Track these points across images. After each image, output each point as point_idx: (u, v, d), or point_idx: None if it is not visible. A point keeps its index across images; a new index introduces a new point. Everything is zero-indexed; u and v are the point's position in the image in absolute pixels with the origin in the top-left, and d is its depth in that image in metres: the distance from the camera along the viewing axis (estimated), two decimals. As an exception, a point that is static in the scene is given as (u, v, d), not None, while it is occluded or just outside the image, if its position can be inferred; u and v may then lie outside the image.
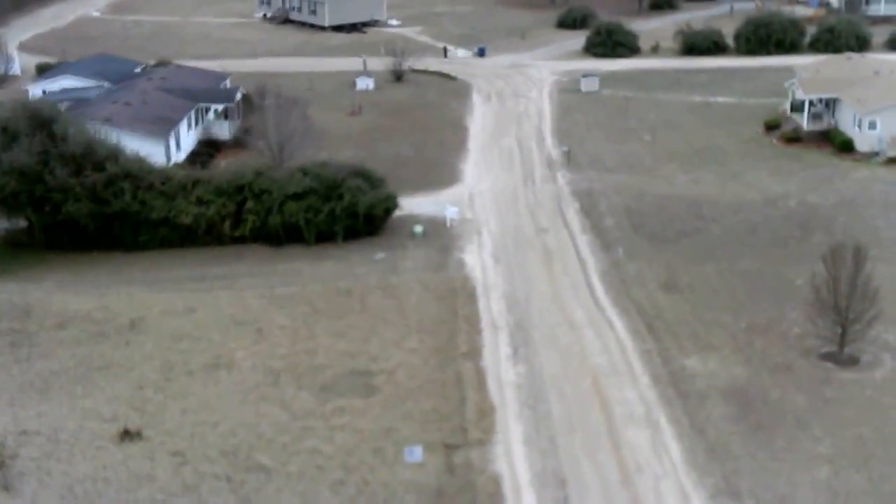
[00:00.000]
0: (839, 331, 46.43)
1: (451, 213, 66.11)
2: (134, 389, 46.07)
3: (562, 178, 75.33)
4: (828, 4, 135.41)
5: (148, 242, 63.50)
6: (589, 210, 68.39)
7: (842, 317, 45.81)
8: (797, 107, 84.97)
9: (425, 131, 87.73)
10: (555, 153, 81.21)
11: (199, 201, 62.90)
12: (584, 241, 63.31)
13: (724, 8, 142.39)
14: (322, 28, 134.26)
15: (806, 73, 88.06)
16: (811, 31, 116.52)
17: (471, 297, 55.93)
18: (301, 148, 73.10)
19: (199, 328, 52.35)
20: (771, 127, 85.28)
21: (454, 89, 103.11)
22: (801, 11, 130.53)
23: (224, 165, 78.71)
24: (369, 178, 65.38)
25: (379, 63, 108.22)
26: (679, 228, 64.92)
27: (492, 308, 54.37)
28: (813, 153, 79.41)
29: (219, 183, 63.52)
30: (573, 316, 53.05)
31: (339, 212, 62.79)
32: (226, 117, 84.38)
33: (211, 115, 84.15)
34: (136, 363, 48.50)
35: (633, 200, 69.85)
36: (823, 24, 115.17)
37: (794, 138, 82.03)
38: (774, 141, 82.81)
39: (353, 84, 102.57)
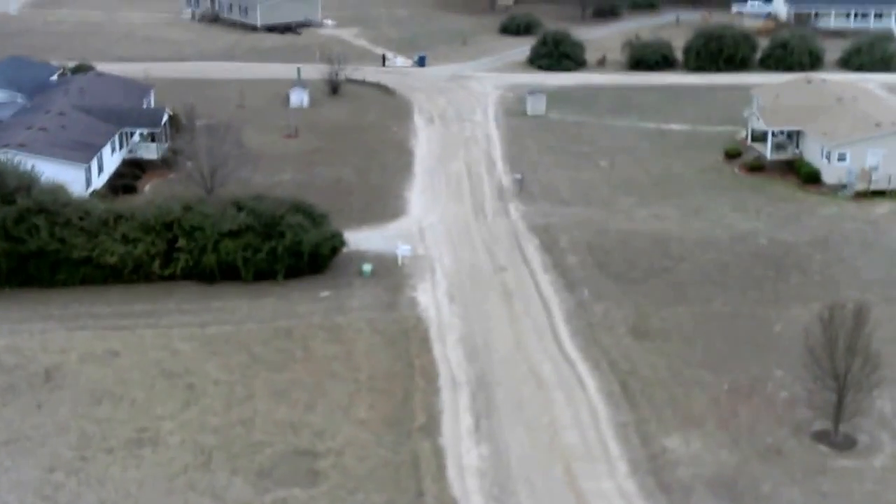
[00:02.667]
0: (834, 399, 42.76)
1: (403, 251, 61.93)
2: (44, 472, 40.94)
3: (515, 210, 71.50)
4: (775, 17, 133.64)
5: (67, 282, 58.15)
6: (549, 246, 64.69)
7: (839, 384, 42.26)
8: (758, 137, 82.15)
9: (367, 155, 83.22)
10: (506, 181, 77.23)
11: (126, 239, 57.86)
12: (545, 280, 59.75)
13: (670, 17, 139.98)
14: (254, 28, 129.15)
15: (763, 97, 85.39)
16: (762, 44, 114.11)
17: (425, 340, 52.40)
18: (234, 172, 68.55)
19: (121, 382, 47.63)
20: (732, 155, 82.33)
21: (394, 107, 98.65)
22: (748, 23, 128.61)
23: (150, 188, 73.63)
24: (310, 214, 60.79)
25: (314, 71, 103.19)
26: (646, 267, 61.52)
27: (449, 356, 50.69)
28: (777, 184, 76.75)
29: (144, 219, 58.23)
30: (539, 370, 49.39)
31: (281, 251, 58.18)
32: (152, 140, 78.88)
33: (136, 137, 78.66)
34: (48, 435, 43.38)
35: (595, 236, 66.30)
36: (776, 38, 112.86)
37: (757, 167, 79.11)
38: (736, 170, 79.84)
39: (287, 99, 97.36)
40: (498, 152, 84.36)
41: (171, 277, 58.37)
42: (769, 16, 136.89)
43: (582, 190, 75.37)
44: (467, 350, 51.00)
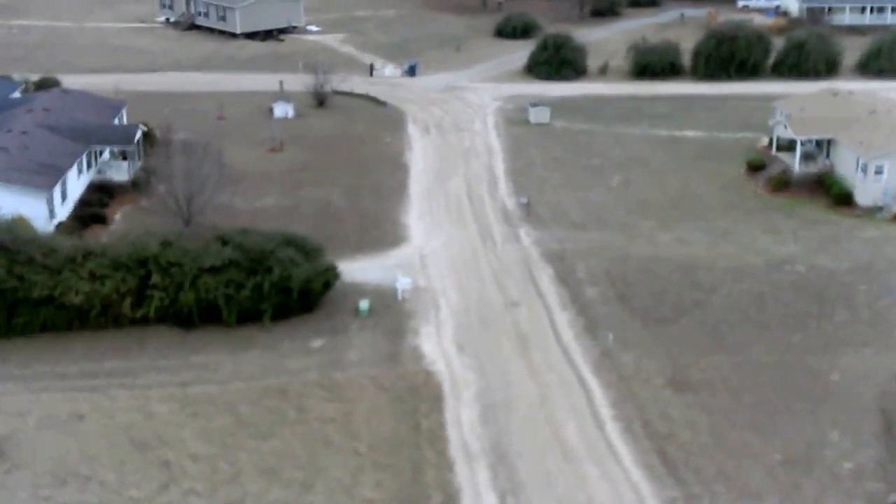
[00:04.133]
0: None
1: (402, 284, 56.22)
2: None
3: (525, 235, 65.78)
4: (786, 12, 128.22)
5: (27, 326, 52.12)
6: (565, 278, 59.02)
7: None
8: (784, 146, 76.84)
9: (359, 172, 77.37)
10: (510, 202, 71.65)
11: (92, 276, 51.85)
12: (564, 320, 54.01)
13: (673, 15, 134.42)
14: (233, 35, 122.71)
15: (786, 105, 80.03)
16: (776, 44, 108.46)
17: (435, 400, 46.41)
18: (213, 197, 63.21)
19: (87, 457, 41.70)
20: (755, 167, 76.83)
21: (385, 119, 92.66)
22: (758, 20, 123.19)
23: (121, 216, 67.65)
24: (303, 248, 55.04)
25: (297, 82, 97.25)
26: (675, 301, 55.94)
27: (462, 420, 44.86)
28: (806, 206, 71.22)
29: (116, 255, 52.40)
30: (567, 437, 43.64)
31: (268, 287, 52.38)
32: (124, 158, 73.01)
33: (106, 154, 72.84)
34: (5, 528, 37.59)
35: (614, 265, 60.71)
36: (792, 39, 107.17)
37: (783, 183, 73.66)
38: (759, 190, 74.28)
39: (270, 111, 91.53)
40: (500, 167, 78.71)
41: (145, 320, 52.50)
42: (778, 10, 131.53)
43: (595, 212, 69.67)
44: (483, 412, 45.23)
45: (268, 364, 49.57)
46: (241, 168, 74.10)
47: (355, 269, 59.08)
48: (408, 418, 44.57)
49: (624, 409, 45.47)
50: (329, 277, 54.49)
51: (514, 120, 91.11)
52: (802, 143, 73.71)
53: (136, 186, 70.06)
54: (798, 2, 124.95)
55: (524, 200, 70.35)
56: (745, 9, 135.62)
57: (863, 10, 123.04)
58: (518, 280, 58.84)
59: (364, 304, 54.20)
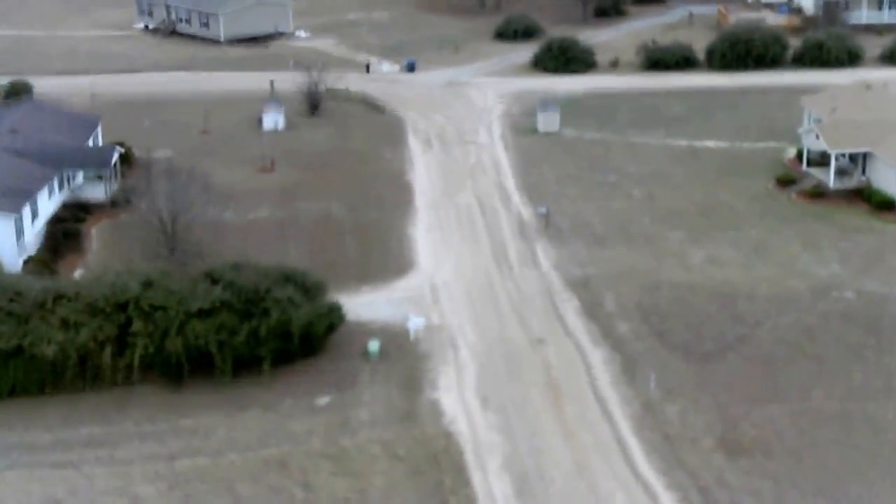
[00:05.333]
0: None
1: (414, 324, 51.36)
2: None
3: (544, 255, 60.95)
4: (799, 8, 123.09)
5: (-6, 386, 46.93)
6: (593, 310, 54.20)
7: None
8: (815, 160, 71.83)
9: (359, 191, 72.18)
10: (526, 214, 66.81)
11: (65, 324, 46.66)
12: (597, 361, 49.23)
13: (680, 13, 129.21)
14: (217, 42, 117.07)
15: (818, 109, 74.84)
16: (795, 44, 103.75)
17: (458, 471, 41.32)
18: (199, 215, 59.15)
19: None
20: (784, 182, 71.76)
21: (384, 127, 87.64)
22: (771, 19, 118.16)
23: (97, 233, 62.63)
24: (303, 285, 49.85)
25: (289, 82, 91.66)
26: (716, 336, 51.11)
27: (495, 496, 39.57)
28: (844, 212, 66.55)
29: (91, 298, 47.09)
30: (613, 509, 38.53)
31: (265, 333, 47.20)
32: (100, 178, 67.73)
33: (80, 179, 67.68)
34: None
35: (646, 293, 55.90)
36: (809, 40, 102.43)
37: (818, 194, 68.77)
38: (794, 196, 69.38)
39: (259, 121, 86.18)
40: (511, 183, 73.59)
41: (128, 372, 47.22)
42: (791, 6, 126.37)
43: (619, 224, 65.39)
44: (515, 482, 40.21)
45: (267, 428, 44.50)
46: (229, 189, 69.38)
47: (361, 304, 54.28)
48: (432, 497, 39.45)
49: (675, 477, 40.54)
50: (333, 319, 49.48)
51: (522, 128, 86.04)
52: (837, 158, 68.80)
53: (114, 205, 64.94)
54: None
55: (543, 210, 65.67)
56: (757, 4, 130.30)
57: (880, 4, 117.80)
58: (541, 313, 53.91)
59: (374, 346, 49.26)
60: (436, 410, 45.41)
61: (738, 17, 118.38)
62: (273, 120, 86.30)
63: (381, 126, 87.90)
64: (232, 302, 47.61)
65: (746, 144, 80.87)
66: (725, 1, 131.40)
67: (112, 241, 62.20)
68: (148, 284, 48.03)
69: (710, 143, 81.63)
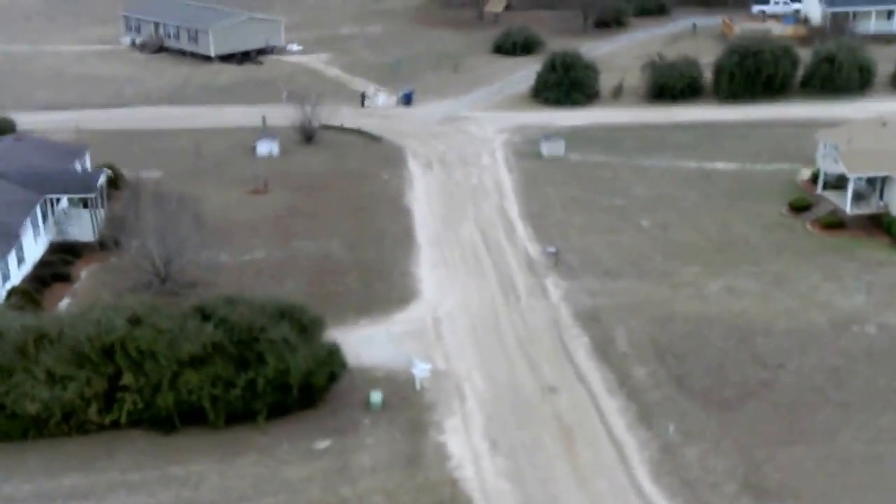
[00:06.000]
0: None
1: (420, 371, 48.93)
2: None
3: (553, 287, 58.83)
4: (806, 18, 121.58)
5: (-28, 436, 44.79)
6: (605, 348, 52.14)
7: None
8: (831, 183, 70.04)
9: (356, 217, 70.23)
10: (531, 248, 64.78)
11: (51, 377, 44.36)
12: (612, 408, 46.94)
13: (684, 24, 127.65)
14: (207, 58, 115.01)
15: (830, 137, 73.03)
16: (803, 56, 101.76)
17: (466, 520, 39.07)
18: (193, 256, 57.20)
19: None
20: (798, 208, 69.87)
21: (381, 156, 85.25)
22: (776, 30, 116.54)
23: (86, 275, 60.29)
24: (299, 321, 47.70)
25: (281, 115, 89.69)
26: (738, 381, 48.95)
27: (504, 546, 37.56)
28: (865, 245, 64.68)
29: (75, 342, 44.91)
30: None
31: (262, 385, 44.98)
32: (85, 206, 65.58)
33: (64, 202, 65.59)
34: None
35: (660, 328, 53.91)
36: (819, 52, 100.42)
37: (835, 224, 66.86)
38: (809, 226, 67.54)
39: (253, 149, 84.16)
40: (515, 209, 71.57)
41: (115, 422, 45.23)
42: (797, 15, 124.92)
43: (629, 257, 63.10)
44: (530, 539, 38.25)
45: (262, 475, 42.44)
46: (222, 214, 67.55)
47: (361, 340, 52.46)
48: (438, 548, 37.47)
49: (698, 530, 38.46)
50: (334, 368, 47.05)
51: (525, 153, 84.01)
52: (854, 181, 67.03)
53: (103, 245, 62.54)
54: (821, 7, 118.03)
55: (552, 250, 63.33)
56: (761, 14, 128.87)
57: (889, 14, 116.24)
58: (550, 353, 51.81)
59: (377, 398, 46.95)
60: (441, 454, 43.52)
61: (744, 29, 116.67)
62: (267, 147, 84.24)
63: (379, 153, 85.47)
64: (225, 346, 45.38)
65: (758, 166, 79.01)
66: (729, 11, 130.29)
67: (101, 276, 60.10)
68: (135, 321, 45.89)
69: (720, 165, 79.73)
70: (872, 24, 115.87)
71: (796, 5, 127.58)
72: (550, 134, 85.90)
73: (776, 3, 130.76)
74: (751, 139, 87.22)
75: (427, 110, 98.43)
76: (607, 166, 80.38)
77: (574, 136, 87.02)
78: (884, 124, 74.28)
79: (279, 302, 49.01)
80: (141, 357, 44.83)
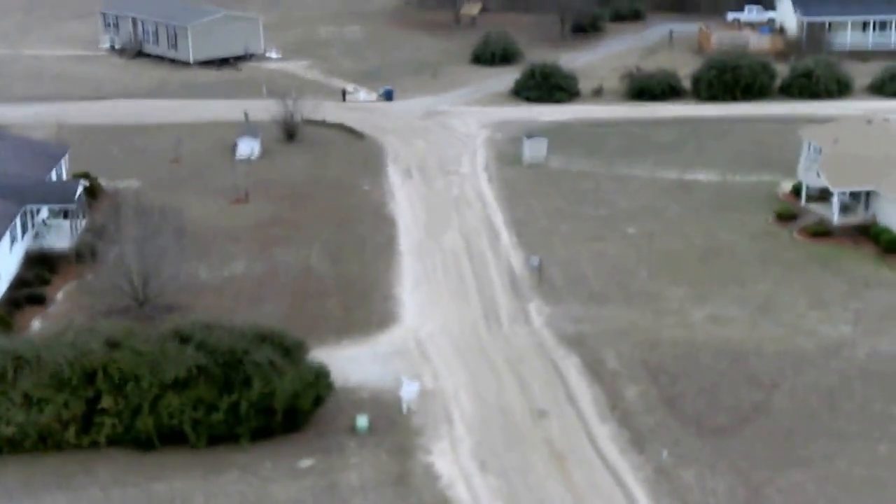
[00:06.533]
0: None
1: (408, 392, 47.01)
2: None
3: (536, 311, 57.18)
4: (781, 28, 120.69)
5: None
6: (596, 370, 50.48)
7: None
8: (814, 196, 69.05)
9: (339, 227, 68.50)
10: (515, 261, 63.25)
11: (27, 400, 42.41)
12: (604, 434, 45.22)
13: (660, 32, 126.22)
14: (186, 64, 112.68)
15: (817, 142, 72.03)
16: (781, 69, 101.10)
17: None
18: (173, 275, 55.12)
19: None
20: (784, 217, 68.78)
21: (363, 152, 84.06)
22: (753, 40, 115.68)
23: (63, 296, 58.18)
24: (282, 344, 45.92)
25: (263, 110, 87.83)
26: (732, 405, 47.41)
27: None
28: (852, 257, 63.48)
29: (55, 367, 42.92)
30: None
31: (246, 408, 43.14)
32: (65, 216, 63.58)
33: (44, 212, 63.49)
34: None
35: (649, 352, 52.26)
36: (797, 68, 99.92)
37: (822, 232, 65.88)
38: (795, 234, 66.42)
39: (234, 147, 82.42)
40: (499, 219, 70.07)
41: (93, 446, 43.43)
42: (771, 24, 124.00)
43: (615, 276, 61.21)
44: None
45: (247, 493, 40.63)
46: (202, 224, 65.72)
47: (344, 360, 50.31)
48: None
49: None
50: (321, 390, 45.10)
51: (506, 157, 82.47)
52: (837, 195, 66.07)
53: (79, 257, 60.39)
54: (796, 16, 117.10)
55: (535, 262, 61.79)
56: (736, 23, 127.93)
57: (864, 26, 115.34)
58: (539, 374, 50.17)
59: (363, 422, 44.93)
60: (430, 473, 41.97)
61: (721, 38, 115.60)
62: (249, 147, 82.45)
63: (361, 152, 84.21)
64: (209, 368, 43.46)
65: (738, 177, 77.51)
66: (704, 18, 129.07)
67: (77, 299, 57.93)
68: (113, 344, 43.90)
69: (702, 177, 78.30)
70: (848, 37, 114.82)
71: (771, 13, 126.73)
72: (533, 132, 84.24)
73: (750, 10, 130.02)
74: (732, 136, 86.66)
75: (408, 105, 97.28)
76: (589, 176, 78.11)
77: (556, 134, 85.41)
78: (869, 122, 73.42)
79: (258, 327, 47.05)
80: (122, 380, 43.02)
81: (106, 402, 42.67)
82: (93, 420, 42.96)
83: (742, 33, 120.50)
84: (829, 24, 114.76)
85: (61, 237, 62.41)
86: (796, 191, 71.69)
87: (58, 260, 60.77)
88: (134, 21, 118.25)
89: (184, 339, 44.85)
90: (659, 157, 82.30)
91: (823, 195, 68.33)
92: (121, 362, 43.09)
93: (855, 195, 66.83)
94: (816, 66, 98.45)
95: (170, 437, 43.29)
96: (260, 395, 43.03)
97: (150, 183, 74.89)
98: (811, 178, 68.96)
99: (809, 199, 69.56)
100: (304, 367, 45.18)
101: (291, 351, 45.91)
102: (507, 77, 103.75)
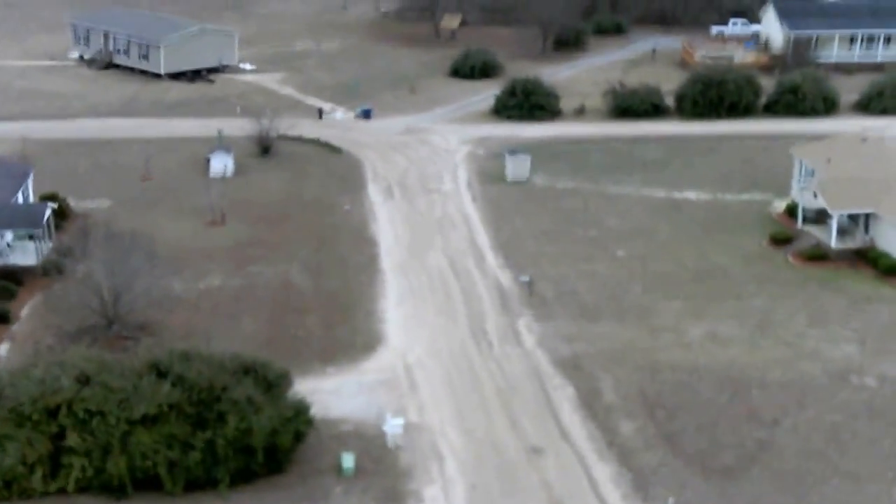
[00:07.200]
0: None
1: (393, 428, 44.15)
2: None
3: (527, 330, 54.60)
4: (766, 42, 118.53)
5: None
6: (590, 402, 47.88)
7: None
8: (811, 218, 66.72)
9: (318, 249, 65.52)
10: (504, 279, 60.63)
11: (-11, 439, 39.32)
12: (605, 475, 42.44)
13: (643, 47, 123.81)
14: (157, 76, 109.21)
15: (811, 162, 69.83)
16: (766, 84, 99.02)
17: None
18: (144, 294, 51.85)
19: None
20: (779, 241, 66.37)
21: (342, 169, 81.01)
22: (738, 55, 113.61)
23: (28, 311, 55.22)
24: (264, 376, 42.96)
25: (237, 128, 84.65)
26: (736, 443, 44.86)
27: None
28: (850, 277, 61.36)
29: (16, 403, 39.75)
30: None
31: (223, 447, 40.12)
32: (31, 238, 60.30)
33: (9, 236, 60.19)
34: None
35: (647, 379, 49.79)
36: (784, 83, 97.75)
37: (818, 256, 63.49)
38: (790, 258, 64.02)
39: (207, 162, 79.21)
40: (484, 240, 67.26)
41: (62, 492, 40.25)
42: (756, 38, 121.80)
43: (608, 293, 59.05)
44: None
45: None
46: (176, 246, 62.69)
47: (327, 392, 47.56)
48: None
49: None
50: (300, 426, 42.19)
51: (489, 174, 79.77)
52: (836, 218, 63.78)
53: (46, 274, 57.24)
54: (781, 31, 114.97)
55: (526, 279, 59.05)
56: (720, 36, 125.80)
57: (851, 41, 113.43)
58: (531, 406, 47.48)
59: (348, 462, 42.07)
60: (422, 522, 39.10)
61: (705, 53, 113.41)
62: (222, 163, 79.22)
63: (339, 170, 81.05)
64: (182, 405, 40.48)
65: (729, 196, 75.37)
66: (687, 32, 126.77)
67: (44, 317, 54.77)
68: (83, 380, 40.86)
69: (691, 195, 75.94)
70: (835, 52, 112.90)
71: (756, 27, 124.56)
72: (515, 148, 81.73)
73: (735, 24, 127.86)
74: (720, 154, 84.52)
75: (387, 124, 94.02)
76: (575, 193, 75.79)
77: (539, 151, 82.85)
78: (864, 140, 71.18)
79: (241, 357, 44.05)
80: (89, 416, 39.84)
81: (72, 440, 39.48)
82: (60, 461, 39.63)
83: (726, 47, 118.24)
84: (817, 39, 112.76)
85: (27, 256, 59.21)
86: (790, 211, 69.39)
87: (23, 273, 57.75)
88: (106, 35, 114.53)
89: (161, 372, 41.82)
90: (646, 175, 79.82)
91: (821, 217, 66.02)
92: (89, 400, 39.91)
93: (853, 217, 64.53)
94: (804, 81, 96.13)
95: (143, 483, 40.21)
96: (236, 431, 40.02)
97: (121, 202, 71.73)
98: (807, 198, 66.56)
99: (806, 220, 67.14)
100: (284, 403, 42.21)
101: (273, 385, 42.92)
102: (487, 92, 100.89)
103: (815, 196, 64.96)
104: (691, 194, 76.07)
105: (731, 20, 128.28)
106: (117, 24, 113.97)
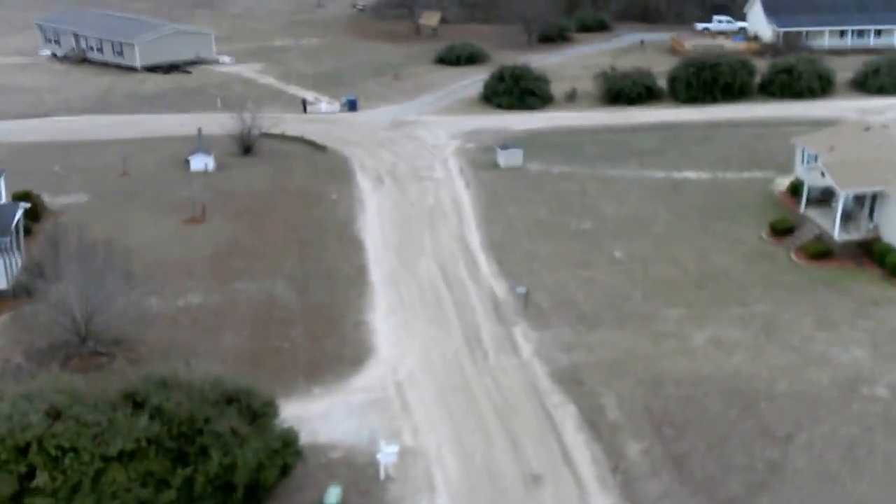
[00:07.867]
0: None
1: (387, 457, 41.29)
2: None
3: (523, 339, 51.94)
4: (756, 37, 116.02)
5: None
6: (594, 420, 45.10)
7: None
8: (814, 199, 64.14)
9: (302, 252, 62.67)
10: (497, 286, 57.90)
11: (-50, 481, 36.35)
12: (607, 504, 39.84)
13: (630, 40, 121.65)
14: (132, 69, 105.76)
15: (809, 143, 67.72)
16: (761, 65, 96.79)
17: None
18: (118, 313, 49.07)
19: None
20: (780, 231, 63.78)
21: (327, 170, 78.12)
22: (728, 46, 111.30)
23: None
24: (248, 405, 40.06)
25: (216, 124, 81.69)
26: (746, 464, 42.06)
27: None
28: (856, 278, 58.75)
29: (-19, 441, 37.00)
30: None
31: (203, 484, 37.30)
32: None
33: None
34: None
35: (651, 394, 47.05)
36: (778, 65, 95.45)
37: (822, 252, 60.78)
38: (793, 256, 61.42)
39: (187, 163, 76.31)
40: (476, 237, 64.51)
41: (32, 528, 37.43)
42: (744, 32, 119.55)
43: (606, 298, 56.28)
44: None
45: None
46: (151, 248, 59.81)
47: (313, 415, 44.80)
48: None
49: None
50: (288, 459, 39.41)
51: (480, 163, 76.98)
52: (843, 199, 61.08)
53: (15, 292, 54.22)
54: (771, 26, 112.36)
55: (523, 290, 56.36)
56: (706, 32, 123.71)
57: (842, 34, 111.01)
58: (530, 426, 44.65)
59: (333, 497, 39.14)
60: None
61: (696, 44, 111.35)
62: (202, 163, 76.45)
63: (324, 167, 78.37)
64: (161, 439, 37.68)
65: (730, 175, 73.10)
66: (671, 29, 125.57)
67: (13, 333, 51.83)
68: (54, 415, 37.92)
69: (691, 175, 73.51)
70: (826, 41, 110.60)
71: (741, 24, 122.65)
72: (507, 142, 79.13)
73: (720, 21, 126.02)
74: (716, 141, 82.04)
75: (373, 115, 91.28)
76: (571, 178, 74.03)
77: (532, 142, 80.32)
78: (867, 129, 68.65)
79: (224, 385, 41.15)
80: (61, 454, 37.00)
81: (41, 479, 36.46)
82: (23, 502, 36.75)
83: (716, 40, 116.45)
84: (807, 33, 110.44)
85: (-4, 276, 56.14)
86: (794, 189, 66.89)
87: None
88: (76, 36, 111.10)
89: (137, 403, 38.89)
90: (643, 159, 77.34)
91: (825, 197, 63.42)
92: (61, 436, 36.99)
93: (859, 200, 61.82)
94: (798, 61, 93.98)
95: (113, 524, 37.25)
96: (219, 468, 37.20)
97: (98, 197, 68.75)
98: (814, 177, 63.75)
99: (809, 202, 64.43)
100: (270, 434, 39.35)
101: (258, 413, 40.03)
102: (475, 77, 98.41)
103: (823, 175, 62.16)
104: (691, 174, 73.88)
105: (715, 17, 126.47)
106: (86, 26, 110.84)
